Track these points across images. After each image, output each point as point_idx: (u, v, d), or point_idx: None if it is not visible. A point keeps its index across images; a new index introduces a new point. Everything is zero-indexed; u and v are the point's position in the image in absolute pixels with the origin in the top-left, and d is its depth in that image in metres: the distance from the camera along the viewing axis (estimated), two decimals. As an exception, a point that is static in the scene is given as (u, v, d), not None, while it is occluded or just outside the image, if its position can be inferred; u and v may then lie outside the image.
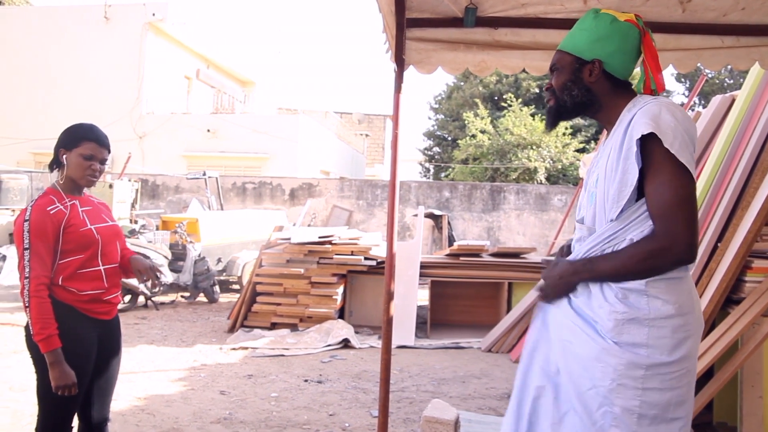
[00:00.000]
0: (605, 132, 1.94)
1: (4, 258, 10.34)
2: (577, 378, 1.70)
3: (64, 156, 2.38)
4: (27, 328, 2.31)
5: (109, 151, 2.46)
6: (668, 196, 1.61)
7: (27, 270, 2.24)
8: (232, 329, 6.99)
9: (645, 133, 1.61)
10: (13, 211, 11.77)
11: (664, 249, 1.60)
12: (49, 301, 2.25)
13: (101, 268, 2.42)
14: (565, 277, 1.78)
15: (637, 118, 1.67)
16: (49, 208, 2.31)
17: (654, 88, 1.83)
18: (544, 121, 2.00)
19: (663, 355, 1.62)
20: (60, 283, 2.32)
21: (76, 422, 2.46)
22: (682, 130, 1.62)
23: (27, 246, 2.25)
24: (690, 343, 1.66)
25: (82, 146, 2.37)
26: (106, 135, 2.47)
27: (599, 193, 1.75)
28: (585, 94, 1.83)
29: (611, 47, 1.80)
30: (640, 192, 1.67)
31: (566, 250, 1.96)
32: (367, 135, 30.89)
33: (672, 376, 1.63)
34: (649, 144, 1.62)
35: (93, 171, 2.39)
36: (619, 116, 1.79)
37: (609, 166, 1.72)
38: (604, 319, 1.67)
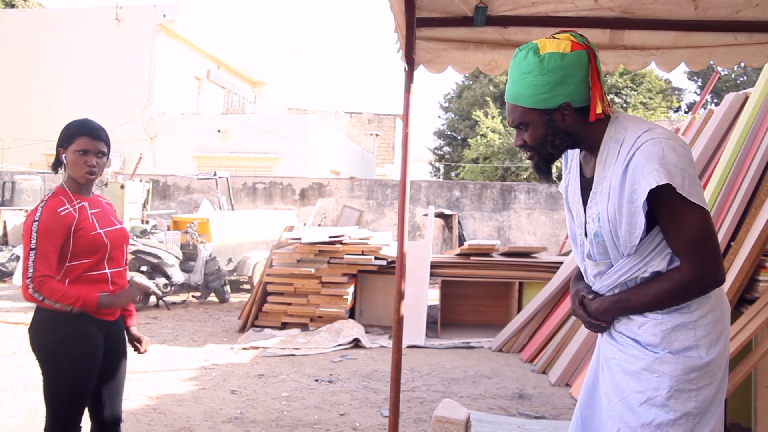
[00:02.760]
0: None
1: (17, 258, 10.46)
2: (629, 393, 1.69)
3: (63, 155, 2.36)
4: (30, 329, 2.31)
5: (107, 144, 2.40)
6: (689, 235, 1.60)
7: (30, 271, 2.22)
8: (242, 329, 7.02)
9: (660, 183, 1.55)
10: (26, 211, 11.89)
11: (695, 281, 1.61)
12: (56, 282, 2.26)
13: (107, 271, 2.41)
14: (595, 316, 1.80)
15: (641, 161, 1.59)
16: (59, 210, 2.29)
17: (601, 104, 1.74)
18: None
19: (711, 351, 1.65)
20: (66, 285, 2.31)
21: (87, 422, 2.47)
22: (687, 164, 1.59)
23: (33, 246, 2.23)
24: (726, 331, 1.70)
25: (75, 142, 2.33)
26: (101, 127, 2.41)
27: (605, 233, 1.72)
28: (566, 138, 1.75)
29: (572, 86, 1.68)
30: (650, 221, 1.64)
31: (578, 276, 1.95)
32: (377, 135, 30.90)
33: (717, 369, 1.66)
34: (659, 190, 1.57)
35: (90, 166, 2.34)
36: (600, 140, 1.73)
37: (611, 206, 1.67)
38: (649, 336, 1.68)
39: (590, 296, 1.81)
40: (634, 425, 1.66)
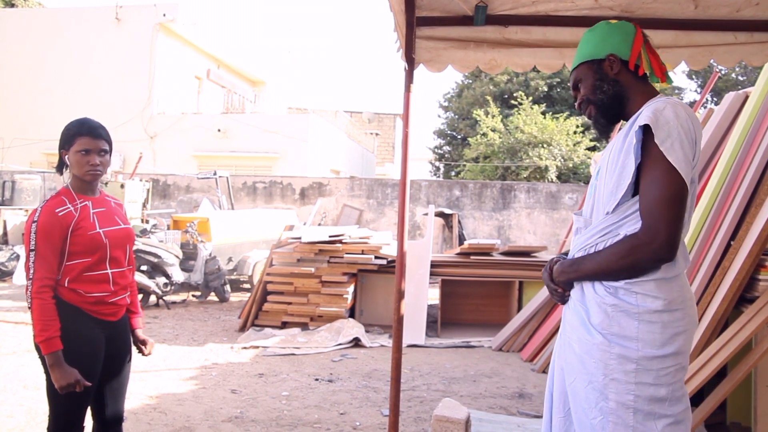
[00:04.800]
0: (614, 133, 1.98)
1: (18, 257, 10.46)
2: (577, 374, 1.74)
3: (66, 156, 2.38)
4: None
5: (108, 141, 2.41)
6: (653, 195, 1.64)
7: (31, 271, 2.24)
8: (242, 328, 7.02)
9: (642, 124, 1.66)
10: (27, 211, 11.90)
11: (643, 244, 1.64)
12: (53, 303, 2.24)
13: (109, 271, 2.40)
14: (555, 279, 1.87)
15: (643, 112, 1.71)
16: (57, 210, 2.29)
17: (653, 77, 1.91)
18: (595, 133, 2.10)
19: (653, 349, 1.64)
20: (66, 284, 2.31)
21: (89, 421, 2.47)
22: (680, 129, 1.64)
23: (33, 247, 2.25)
24: (682, 338, 1.68)
25: (76, 143, 2.34)
26: (101, 125, 2.41)
27: (599, 186, 1.81)
28: (614, 85, 1.88)
29: (616, 39, 1.88)
30: (637, 188, 1.70)
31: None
32: (377, 134, 30.88)
33: (665, 372, 1.65)
34: (647, 139, 1.66)
35: (92, 165, 2.35)
36: (636, 112, 1.83)
37: (611, 159, 1.77)
38: (595, 312, 1.72)
39: (555, 260, 1.90)
40: (584, 406, 1.71)
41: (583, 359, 1.71)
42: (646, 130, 1.66)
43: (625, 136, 1.74)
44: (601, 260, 1.71)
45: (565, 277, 1.82)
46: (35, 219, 2.27)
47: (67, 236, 2.30)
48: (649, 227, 1.63)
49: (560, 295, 1.87)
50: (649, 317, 1.65)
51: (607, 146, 1.88)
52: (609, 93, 1.88)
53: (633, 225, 1.68)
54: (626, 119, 1.91)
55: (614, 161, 1.74)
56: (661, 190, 1.62)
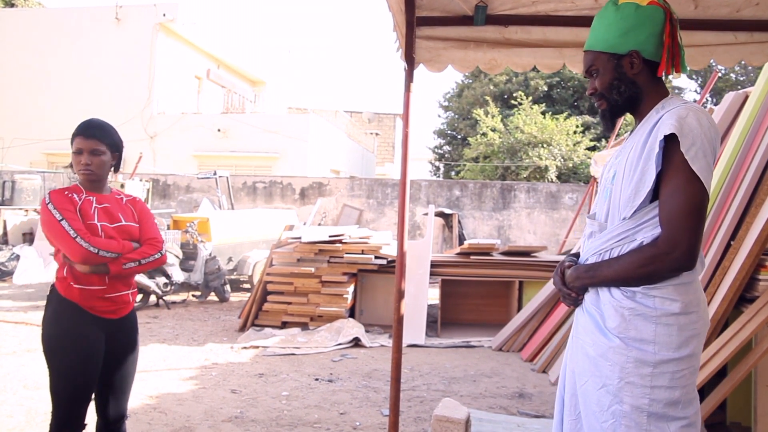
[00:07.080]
0: (615, 130, 1.95)
1: (17, 257, 10.45)
2: (589, 377, 1.73)
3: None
4: (42, 324, 2.34)
5: (103, 141, 2.41)
6: (677, 203, 1.61)
7: (72, 233, 2.28)
8: (242, 328, 7.02)
9: (667, 133, 1.61)
10: (27, 211, 11.89)
11: (664, 254, 1.62)
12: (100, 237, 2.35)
13: None
14: (568, 284, 1.85)
15: (664, 119, 1.66)
16: (65, 193, 2.39)
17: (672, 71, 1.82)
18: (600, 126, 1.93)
19: (670, 351, 1.64)
20: (64, 274, 2.35)
21: (92, 419, 2.47)
22: (704, 138, 1.61)
23: (60, 217, 2.29)
24: (696, 341, 1.67)
25: (74, 143, 2.40)
26: (98, 125, 2.42)
27: (615, 190, 1.76)
28: (632, 87, 1.80)
29: (643, 35, 1.75)
30: (655, 194, 1.67)
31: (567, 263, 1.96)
32: (377, 134, 30.88)
33: (680, 374, 1.64)
34: (669, 146, 1.63)
35: (84, 165, 2.38)
36: (648, 112, 1.79)
37: (628, 164, 1.73)
38: (611, 315, 1.70)
39: (567, 263, 1.88)
40: (595, 409, 1.70)
41: (597, 362, 1.70)
42: (668, 137, 1.63)
43: (644, 142, 1.69)
44: (619, 268, 1.68)
45: (580, 283, 1.80)
46: (48, 201, 2.34)
47: (76, 212, 2.36)
48: (671, 237, 1.61)
49: (573, 299, 1.85)
50: (666, 320, 1.64)
51: (621, 148, 1.84)
52: (625, 95, 1.81)
53: (650, 231, 1.66)
54: (634, 116, 1.86)
55: (632, 167, 1.70)
56: (684, 200, 1.60)
